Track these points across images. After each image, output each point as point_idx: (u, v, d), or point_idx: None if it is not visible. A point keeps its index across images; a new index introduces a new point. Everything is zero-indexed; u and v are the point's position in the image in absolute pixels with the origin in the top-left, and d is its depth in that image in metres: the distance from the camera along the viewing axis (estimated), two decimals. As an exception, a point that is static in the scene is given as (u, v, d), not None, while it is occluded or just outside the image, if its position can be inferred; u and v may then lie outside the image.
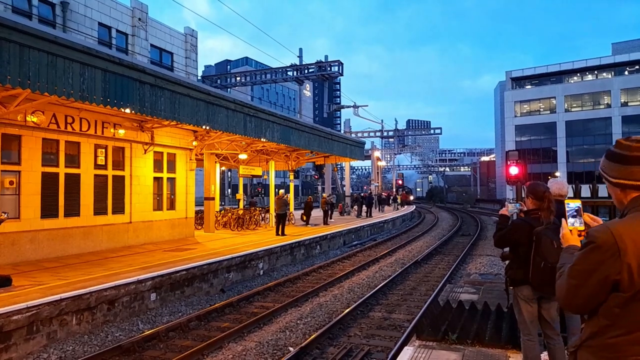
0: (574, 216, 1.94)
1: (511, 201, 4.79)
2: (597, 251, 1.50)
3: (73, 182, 12.37)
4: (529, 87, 58.38)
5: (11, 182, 10.88)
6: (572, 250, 1.76)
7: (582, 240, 1.81)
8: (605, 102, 51.97)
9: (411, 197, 68.11)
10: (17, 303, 7.02)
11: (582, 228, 1.91)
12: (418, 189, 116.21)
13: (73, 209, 12.34)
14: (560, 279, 1.64)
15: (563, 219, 1.96)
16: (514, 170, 16.86)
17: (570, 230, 1.93)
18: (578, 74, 55.59)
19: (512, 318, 5.92)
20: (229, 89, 33.27)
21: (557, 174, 45.92)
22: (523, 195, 4.33)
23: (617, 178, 1.65)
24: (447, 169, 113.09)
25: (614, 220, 1.64)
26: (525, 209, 4.17)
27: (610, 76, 52.71)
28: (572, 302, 1.58)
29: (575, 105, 53.65)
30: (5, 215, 8.40)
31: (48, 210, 11.67)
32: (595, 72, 54.43)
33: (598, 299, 1.52)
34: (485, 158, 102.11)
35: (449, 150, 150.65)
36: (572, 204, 1.97)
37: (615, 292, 1.49)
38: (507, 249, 4.69)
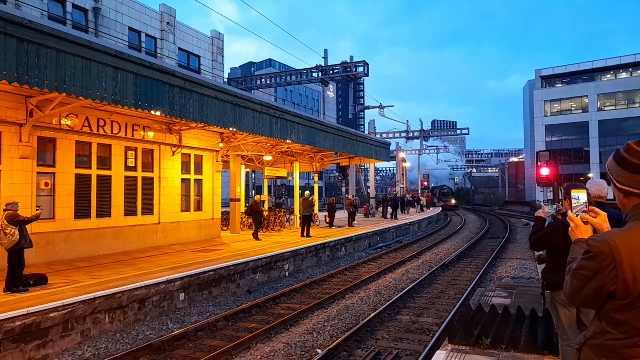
0: (584, 212, 1.92)
1: (547, 203, 4.64)
2: (594, 260, 1.56)
3: (105, 183, 12.69)
4: (560, 85, 56.79)
5: (46, 184, 11.24)
6: (582, 245, 1.78)
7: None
8: (641, 100, 50.10)
9: (453, 201, 59.02)
10: (53, 301, 7.23)
11: (585, 220, 1.90)
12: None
13: (105, 210, 12.66)
14: (567, 274, 1.70)
15: (570, 212, 1.95)
16: (545, 171, 16.43)
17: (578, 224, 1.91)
18: (611, 72, 53.73)
19: (547, 323, 5.75)
20: (253, 91, 33.60)
21: (590, 175, 44.47)
22: (560, 197, 4.20)
23: (623, 184, 1.66)
24: (474, 170, 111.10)
25: (613, 231, 1.67)
26: (562, 211, 4.04)
27: (646, 74, 50.80)
28: (574, 299, 1.66)
29: (608, 104, 51.88)
30: (40, 210, 8.64)
31: (81, 211, 12.01)
32: (630, 69, 52.52)
33: (598, 301, 1.59)
34: (514, 159, 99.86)
35: (475, 151, 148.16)
36: (581, 197, 1.94)
37: (612, 299, 1.55)
38: (543, 252, 4.54)
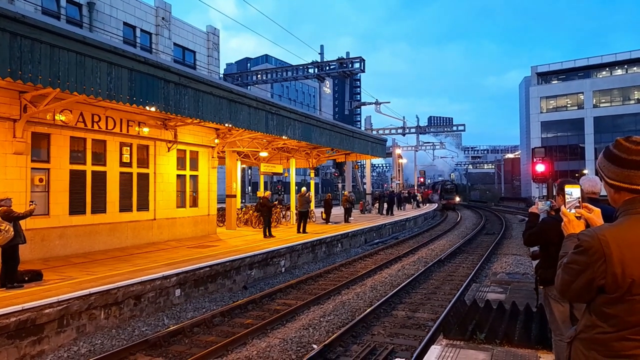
0: (576, 207, 1.94)
1: (541, 199, 4.66)
2: (584, 255, 1.59)
3: (99, 179, 12.64)
4: (556, 82, 56.92)
5: (41, 180, 11.18)
6: (573, 239, 1.79)
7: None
8: (636, 97, 50.28)
9: (457, 199, 53.42)
10: (48, 297, 7.21)
11: (579, 215, 1.93)
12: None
13: (99, 206, 12.60)
14: (558, 269, 1.72)
15: (563, 207, 1.97)
16: (540, 167, 16.47)
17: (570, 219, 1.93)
18: (607, 69, 53.92)
19: (541, 318, 5.79)
20: (249, 87, 33.50)
21: (585, 171, 44.69)
22: (554, 193, 4.23)
23: (613, 180, 1.69)
24: (470, 166, 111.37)
25: (603, 225, 1.70)
26: (556, 207, 4.07)
27: (641, 70, 51.00)
28: (565, 293, 1.68)
29: (604, 100, 52.06)
30: (34, 204, 8.59)
31: (76, 207, 11.95)
32: (625, 66, 52.73)
33: (588, 294, 1.62)
34: (509, 155, 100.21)
35: (472, 148, 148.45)
36: (574, 192, 1.96)
37: (602, 292, 1.57)
38: (536, 248, 4.57)
